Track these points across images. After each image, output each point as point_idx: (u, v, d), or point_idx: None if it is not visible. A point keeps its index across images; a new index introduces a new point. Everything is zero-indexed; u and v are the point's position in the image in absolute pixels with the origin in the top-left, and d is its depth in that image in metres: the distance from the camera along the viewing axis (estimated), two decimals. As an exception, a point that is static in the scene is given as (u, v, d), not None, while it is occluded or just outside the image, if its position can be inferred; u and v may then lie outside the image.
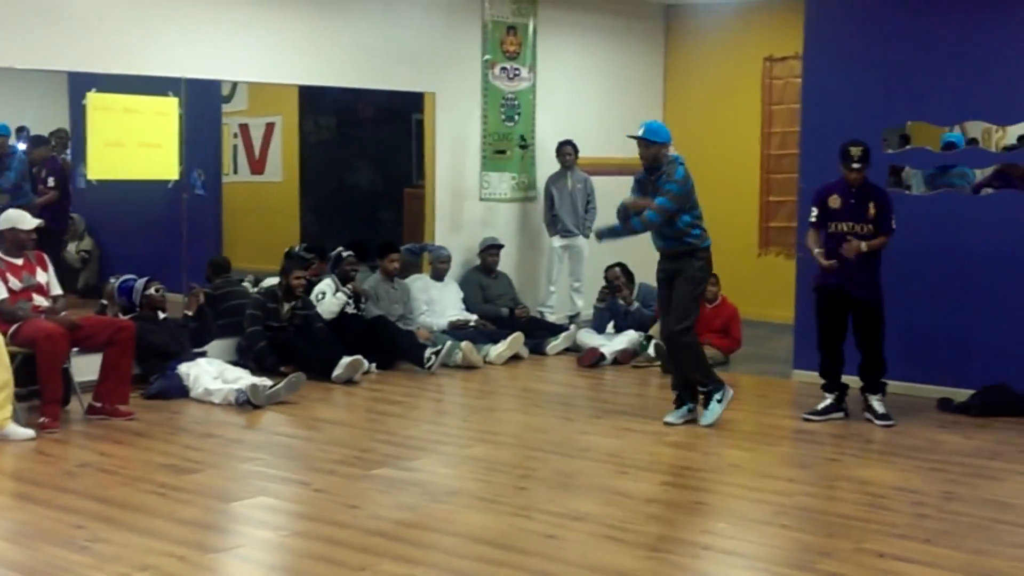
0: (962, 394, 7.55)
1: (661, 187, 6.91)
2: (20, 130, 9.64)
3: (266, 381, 7.55)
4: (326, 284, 8.93)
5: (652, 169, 6.99)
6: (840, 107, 8.20)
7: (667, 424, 7.06)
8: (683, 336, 6.98)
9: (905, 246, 7.20)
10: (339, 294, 8.82)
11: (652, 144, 6.97)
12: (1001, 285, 7.62)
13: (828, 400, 7.32)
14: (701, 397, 7.11)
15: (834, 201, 7.16)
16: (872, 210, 7.02)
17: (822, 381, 7.34)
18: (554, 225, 10.43)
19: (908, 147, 8.21)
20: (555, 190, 10.38)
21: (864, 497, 5.60)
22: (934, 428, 7.05)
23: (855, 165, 7.04)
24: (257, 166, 11.52)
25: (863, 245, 6.97)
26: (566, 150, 10.45)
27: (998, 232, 7.64)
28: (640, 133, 6.98)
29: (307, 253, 9.39)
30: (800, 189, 8.45)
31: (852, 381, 7.31)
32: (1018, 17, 7.56)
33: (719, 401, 7.03)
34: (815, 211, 7.23)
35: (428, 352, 8.62)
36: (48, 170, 9.61)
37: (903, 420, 7.15)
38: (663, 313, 7.22)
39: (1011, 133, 8.79)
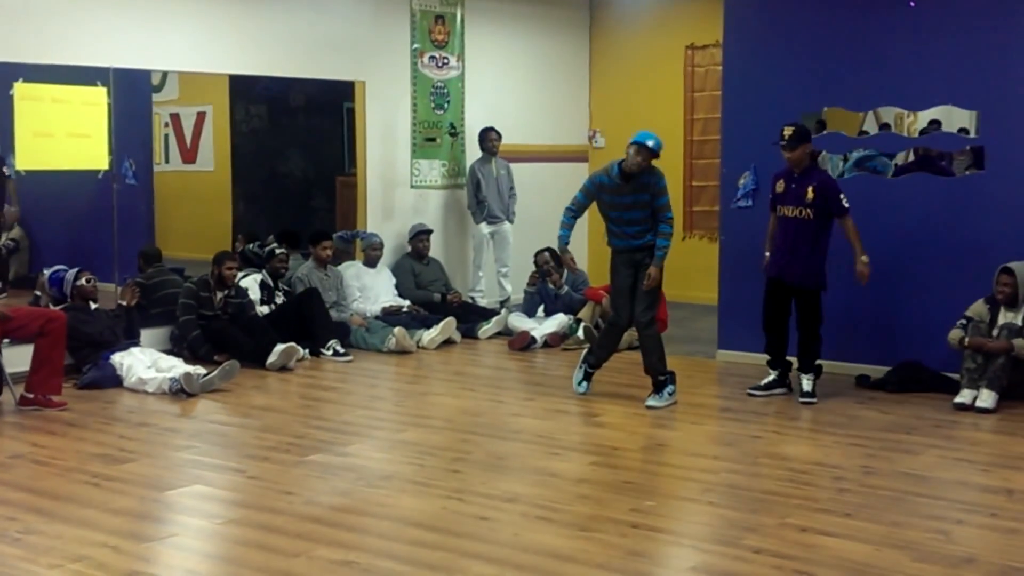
0: (879, 371, 7.66)
1: (649, 196, 6.96)
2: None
3: (200, 369, 7.43)
4: (250, 281, 8.81)
5: (631, 176, 6.93)
6: (759, 94, 8.26)
7: (580, 393, 7.33)
8: (651, 325, 7.12)
9: (839, 232, 7.23)
10: (260, 303, 8.71)
11: (654, 156, 6.94)
12: (916, 266, 7.73)
13: (772, 376, 7.40)
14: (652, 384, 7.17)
15: (780, 186, 7.22)
16: (810, 194, 7.05)
17: (765, 358, 7.42)
18: (480, 211, 10.39)
19: (825, 132, 8.28)
20: (481, 176, 10.34)
21: (787, 473, 5.65)
22: (853, 404, 7.14)
23: (782, 143, 7.09)
24: (188, 155, 11.33)
25: (865, 260, 7.06)
26: (491, 136, 10.41)
27: (913, 214, 7.75)
28: (651, 144, 6.89)
29: (259, 250, 9.27)
30: (722, 174, 8.50)
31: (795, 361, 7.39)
32: (928, 7, 7.65)
33: (671, 394, 7.06)
34: (771, 196, 7.29)
35: (331, 343, 8.52)
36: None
37: (823, 397, 7.24)
38: (620, 301, 7.17)
39: (922, 118, 8.91)
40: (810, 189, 7.06)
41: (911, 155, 8.77)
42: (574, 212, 7.22)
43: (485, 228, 10.42)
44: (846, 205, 7.07)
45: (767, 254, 7.32)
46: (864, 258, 7.07)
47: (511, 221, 10.52)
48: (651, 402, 7.06)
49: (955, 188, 7.76)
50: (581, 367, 7.44)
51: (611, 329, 7.43)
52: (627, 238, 7.09)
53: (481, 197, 10.35)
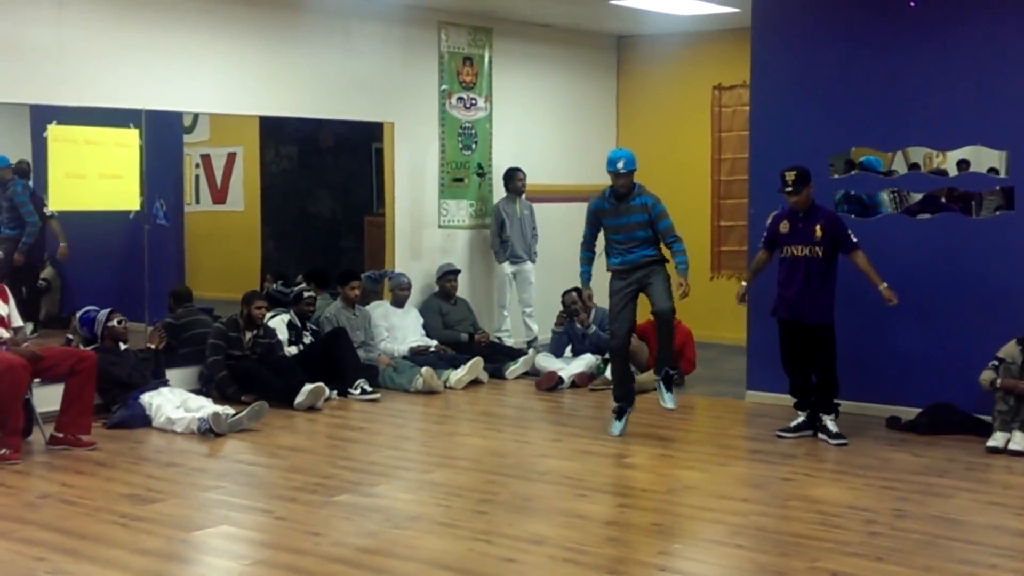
0: (909, 412, 7.58)
1: (647, 217, 7.12)
2: (20, 163, 9.42)
3: (228, 409, 7.45)
4: (278, 321, 8.85)
5: (624, 195, 7.08)
6: (787, 134, 8.26)
7: (614, 435, 7.21)
8: (674, 313, 7.20)
9: (851, 268, 7.23)
10: (288, 343, 8.75)
11: (632, 172, 7.15)
12: (947, 306, 7.68)
13: (800, 418, 7.36)
14: (661, 381, 7.31)
15: (784, 226, 7.23)
16: (819, 232, 7.06)
17: (793, 400, 7.40)
18: (504, 251, 10.41)
19: (854, 172, 8.26)
20: (505, 216, 10.37)
21: (817, 516, 5.59)
22: (884, 446, 7.07)
23: (787, 189, 7.12)
24: (219, 196, 11.41)
25: (884, 289, 7.06)
26: (518, 176, 10.45)
27: (942, 255, 7.71)
28: (622, 167, 7.09)
29: (284, 288, 9.32)
30: (750, 214, 8.48)
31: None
32: (957, 46, 7.65)
33: (679, 386, 7.13)
34: (765, 234, 7.29)
35: (358, 383, 8.52)
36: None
37: (853, 439, 7.18)
38: (617, 323, 7.21)
39: (951, 158, 8.86)
40: (818, 227, 7.07)
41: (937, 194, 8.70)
42: (588, 246, 7.38)
43: (508, 268, 10.44)
44: (855, 240, 7.07)
45: (740, 288, 7.44)
46: (884, 284, 7.03)
47: (533, 261, 10.54)
48: (670, 404, 7.19)
49: (985, 228, 7.71)
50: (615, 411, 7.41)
51: (615, 358, 7.41)
52: (625, 254, 7.20)
53: (505, 237, 10.37)
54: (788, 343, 7.33)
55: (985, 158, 8.28)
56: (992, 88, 7.51)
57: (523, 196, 10.48)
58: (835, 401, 7.23)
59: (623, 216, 7.14)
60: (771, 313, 7.36)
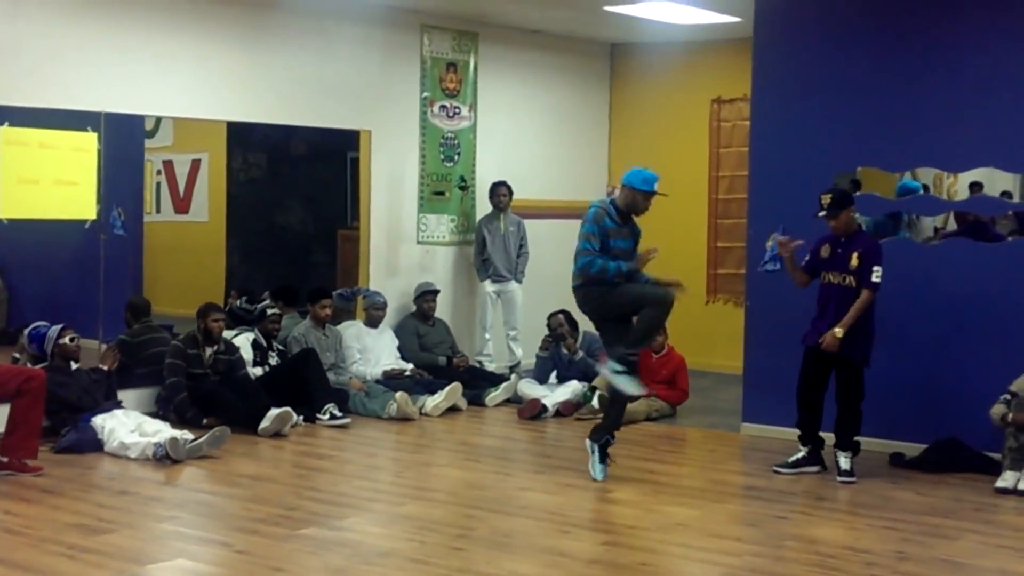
0: (914, 448, 7.63)
1: (635, 239, 7.07)
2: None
3: (187, 434, 7.44)
4: (242, 340, 8.86)
5: (628, 216, 7.05)
6: (789, 151, 8.32)
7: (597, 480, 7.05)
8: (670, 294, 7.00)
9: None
10: (253, 364, 8.75)
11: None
12: (955, 336, 7.73)
13: (801, 452, 7.38)
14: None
15: (825, 250, 7.27)
16: (855, 260, 7.10)
17: (796, 432, 7.41)
18: (485, 269, 10.45)
19: (859, 193, 8.32)
20: (487, 233, 10.42)
21: (814, 557, 5.62)
22: (887, 484, 7.11)
23: (822, 213, 7.16)
24: (182, 205, 11.43)
25: (838, 333, 7.01)
26: (500, 191, 10.50)
27: (949, 281, 7.76)
28: (656, 188, 7.01)
29: (249, 305, 9.34)
30: (749, 235, 8.54)
31: (829, 437, 7.37)
32: (969, 64, 7.73)
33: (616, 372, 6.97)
34: (808, 256, 7.37)
35: (327, 407, 8.52)
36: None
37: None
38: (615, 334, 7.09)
39: (962, 180, 8.95)
40: (854, 256, 7.11)
41: (951, 219, 8.79)
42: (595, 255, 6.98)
43: (489, 287, 10.48)
44: (875, 280, 7.07)
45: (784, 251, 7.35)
46: (839, 331, 7.02)
47: (519, 281, 10.57)
48: (635, 389, 7.01)
49: (998, 254, 7.78)
50: (593, 451, 7.15)
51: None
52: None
53: (486, 255, 10.41)
54: (807, 372, 7.32)
55: (998, 181, 8.38)
56: (1006, 108, 7.59)
57: (508, 212, 10.53)
58: (855, 439, 7.25)
59: (623, 239, 6.99)
60: (802, 340, 7.35)
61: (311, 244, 11.43)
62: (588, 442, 7.17)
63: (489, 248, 10.41)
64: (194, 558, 5.47)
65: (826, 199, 7.17)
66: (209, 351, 8.43)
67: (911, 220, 8.62)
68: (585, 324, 10.02)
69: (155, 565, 5.39)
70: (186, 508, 6.42)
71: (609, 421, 7.23)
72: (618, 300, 6.99)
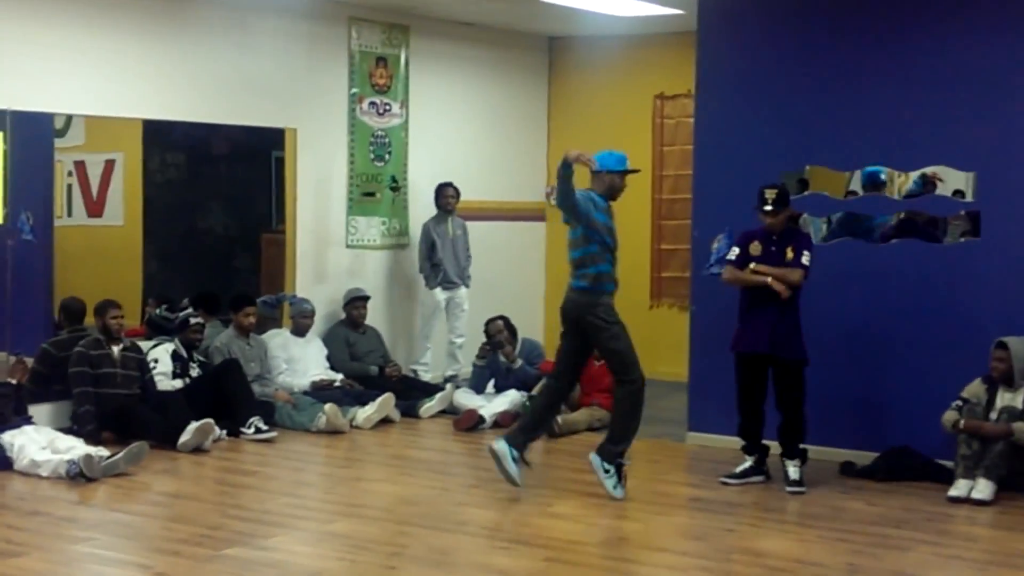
0: (865, 457, 7.75)
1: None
2: None
3: (102, 451, 7.38)
4: (161, 351, 8.79)
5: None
6: (735, 149, 8.42)
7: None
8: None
9: (802, 299, 7.37)
10: (173, 376, 8.70)
11: None
12: (906, 341, 7.86)
13: (748, 463, 7.47)
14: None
15: (755, 248, 7.35)
16: (790, 254, 7.21)
17: (740, 442, 7.50)
18: (435, 275, 10.44)
19: (807, 192, 8.45)
20: (436, 237, 10.41)
21: (763, 571, 5.69)
22: (837, 494, 7.22)
23: (767, 208, 7.26)
24: (95, 208, 11.28)
25: (769, 279, 7.16)
26: (448, 192, 10.51)
27: (900, 285, 7.90)
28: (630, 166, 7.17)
29: (169, 314, 9.26)
30: (693, 237, 8.62)
31: (775, 446, 7.47)
32: (920, 60, 7.87)
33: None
34: (737, 250, 7.40)
35: (252, 420, 8.49)
36: None
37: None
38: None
39: (913, 178, 9.11)
40: (789, 249, 7.22)
41: (901, 219, 8.94)
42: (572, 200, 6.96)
43: (440, 294, 10.47)
44: (805, 263, 7.19)
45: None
46: (770, 279, 7.16)
47: (467, 286, 10.60)
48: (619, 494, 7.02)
49: (949, 256, 7.93)
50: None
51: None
52: (614, 271, 7.09)
53: (436, 260, 10.40)
54: (744, 379, 7.44)
55: (951, 180, 8.55)
56: (956, 105, 7.73)
57: (454, 214, 10.53)
58: (801, 446, 7.35)
59: (611, 219, 7.06)
60: (731, 347, 7.45)
61: (234, 249, 11.34)
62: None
63: (440, 253, 10.40)
64: (111, 582, 5.44)
65: (771, 194, 7.27)
66: (116, 349, 8.35)
67: (865, 221, 8.75)
68: (524, 331, 10.12)
69: (69, 590, 5.34)
70: (102, 529, 6.36)
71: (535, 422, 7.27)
72: (615, 341, 6.98)
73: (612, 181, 7.09)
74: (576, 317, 7.03)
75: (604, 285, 7.01)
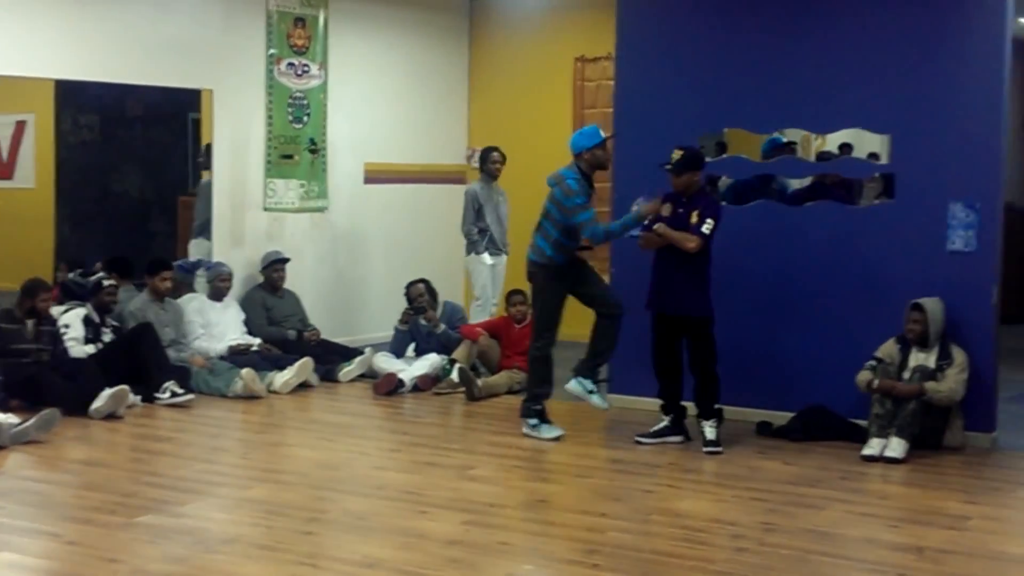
0: (781, 417, 7.81)
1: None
2: None
3: (12, 418, 7.22)
4: (72, 316, 8.59)
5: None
6: (655, 112, 8.40)
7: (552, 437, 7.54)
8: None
9: (718, 260, 7.40)
10: (85, 341, 8.52)
11: None
12: (821, 302, 7.92)
13: (664, 422, 7.51)
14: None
15: (666, 209, 7.37)
16: (695, 218, 7.22)
17: (659, 403, 7.56)
18: (482, 240, 10.26)
19: (725, 155, 8.46)
20: (483, 202, 10.19)
21: (681, 531, 5.71)
22: (753, 454, 7.27)
23: (667, 166, 7.27)
24: (4, 170, 11.08)
25: (659, 229, 7.28)
26: (494, 157, 10.29)
27: (815, 246, 7.94)
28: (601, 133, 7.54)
29: (82, 279, 9.07)
30: (614, 200, 8.60)
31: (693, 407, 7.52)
32: (836, 24, 7.89)
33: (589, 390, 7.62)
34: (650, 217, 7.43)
35: (167, 385, 8.36)
36: None
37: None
38: (555, 320, 7.64)
39: (830, 141, 9.17)
40: (695, 214, 7.25)
41: (814, 181, 8.99)
42: (595, 223, 7.46)
43: (488, 259, 10.31)
44: (705, 231, 7.20)
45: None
46: (660, 227, 7.30)
47: (507, 253, 10.44)
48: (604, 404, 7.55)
49: (864, 218, 7.98)
50: (535, 418, 7.63)
51: (546, 364, 7.69)
52: (571, 245, 7.54)
53: (483, 226, 10.23)
54: (658, 340, 7.48)
55: (867, 142, 8.61)
56: (873, 69, 7.76)
57: (496, 180, 10.33)
58: (717, 406, 7.38)
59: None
60: (646, 307, 7.48)
61: (149, 212, 11.18)
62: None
63: (488, 219, 10.23)
64: (20, 551, 5.30)
65: (677, 155, 7.29)
66: (30, 323, 8.17)
67: (776, 182, 8.79)
68: (445, 294, 10.06)
69: (-24, 560, 5.21)
70: (11, 498, 6.21)
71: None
72: (559, 294, 7.60)
73: (593, 156, 7.44)
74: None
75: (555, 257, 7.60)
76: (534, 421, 7.58)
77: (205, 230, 9.98)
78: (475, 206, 10.28)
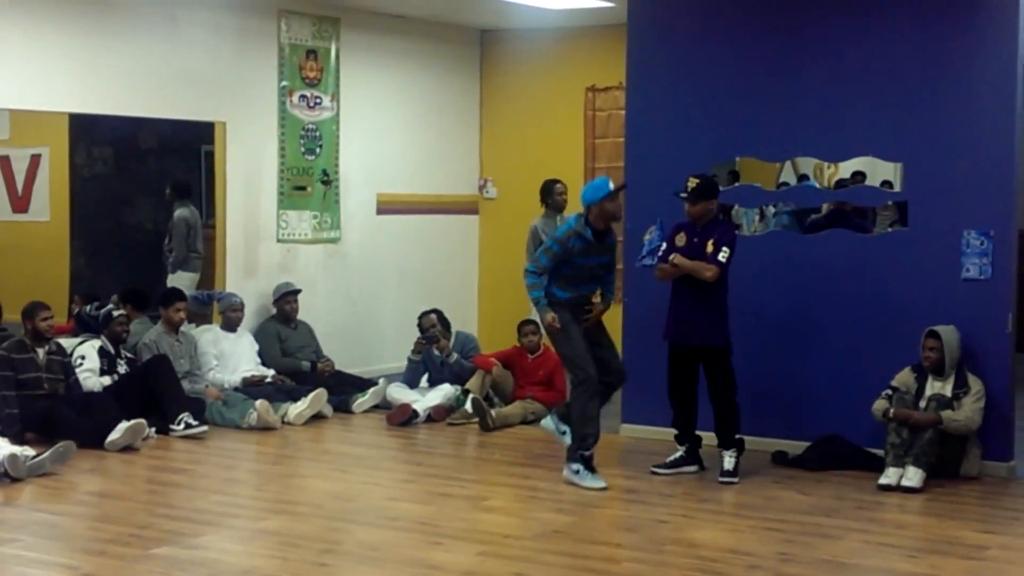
0: (796, 446, 7.78)
1: (611, 254, 7.39)
2: None
3: (28, 451, 7.23)
4: (88, 348, 8.61)
5: (605, 233, 7.29)
6: (666, 141, 8.41)
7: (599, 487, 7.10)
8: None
9: (734, 289, 7.40)
10: (100, 372, 8.52)
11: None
12: (837, 331, 7.90)
13: (679, 452, 7.49)
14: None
15: (680, 239, 7.37)
16: (710, 247, 7.22)
17: (674, 432, 7.53)
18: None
19: (737, 184, 8.47)
20: (544, 236, 9.79)
21: (696, 562, 5.69)
22: (769, 484, 7.24)
23: (683, 195, 7.27)
24: (20, 204, 11.15)
25: (675, 259, 7.23)
26: (558, 188, 10.03)
27: (829, 274, 7.94)
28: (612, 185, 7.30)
29: (99, 312, 9.10)
30: (626, 229, 8.62)
31: (711, 437, 7.48)
32: (849, 52, 7.91)
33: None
34: (664, 245, 7.48)
35: (181, 417, 8.34)
36: None
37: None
38: (587, 353, 7.20)
39: (843, 169, 9.17)
40: (710, 243, 7.24)
41: (829, 210, 8.99)
42: (540, 276, 7.23)
43: None
44: (721, 260, 7.18)
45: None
46: (676, 257, 7.24)
47: None
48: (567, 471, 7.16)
49: (878, 246, 7.98)
50: (578, 462, 7.12)
51: (594, 397, 7.22)
52: (580, 286, 7.30)
53: None
54: (675, 369, 7.46)
55: (879, 170, 8.61)
56: (885, 97, 7.77)
57: (563, 212, 9.97)
58: (737, 436, 7.36)
59: (594, 256, 7.23)
60: (663, 337, 7.46)
61: (163, 244, 11.21)
62: (551, 417, 7.35)
63: None
64: (35, 584, 5.32)
65: (692, 183, 7.29)
66: (41, 352, 8.19)
67: (791, 213, 8.81)
68: (457, 324, 10.06)
69: (-9, 593, 5.22)
70: (27, 530, 6.23)
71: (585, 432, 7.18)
72: (563, 346, 7.29)
73: (602, 209, 7.18)
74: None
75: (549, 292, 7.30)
76: (577, 467, 7.10)
77: (184, 263, 10.05)
78: (535, 241, 9.81)
